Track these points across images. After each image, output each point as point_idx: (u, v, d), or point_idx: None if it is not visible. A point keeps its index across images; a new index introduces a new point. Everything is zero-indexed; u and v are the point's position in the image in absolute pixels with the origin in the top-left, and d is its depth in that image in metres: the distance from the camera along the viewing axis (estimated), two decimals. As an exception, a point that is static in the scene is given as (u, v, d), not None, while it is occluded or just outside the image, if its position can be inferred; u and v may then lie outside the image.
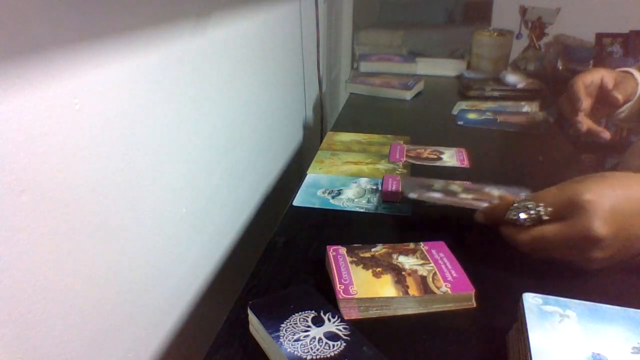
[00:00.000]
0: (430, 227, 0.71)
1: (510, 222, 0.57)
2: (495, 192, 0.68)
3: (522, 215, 0.55)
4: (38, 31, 0.40)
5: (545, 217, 0.54)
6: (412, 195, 0.64)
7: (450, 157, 0.93)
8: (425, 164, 0.91)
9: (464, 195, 0.66)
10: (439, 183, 0.71)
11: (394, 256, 0.58)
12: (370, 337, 0.45)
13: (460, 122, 1.16)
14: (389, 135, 1.04)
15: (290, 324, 0.46)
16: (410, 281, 0.54)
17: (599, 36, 2.32)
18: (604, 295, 0.52)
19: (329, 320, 0.47)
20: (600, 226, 0.49)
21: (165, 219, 0.64)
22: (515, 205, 0.56)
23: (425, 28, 1.90)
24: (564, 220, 0.52)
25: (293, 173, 1.27)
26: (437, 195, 0.66)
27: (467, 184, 0.72)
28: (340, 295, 0.51)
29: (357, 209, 0.74)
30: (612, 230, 0.50)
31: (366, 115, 1.30)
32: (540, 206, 0.54)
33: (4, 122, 0.37)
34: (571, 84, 0.88)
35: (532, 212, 0.55)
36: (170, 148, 0.63)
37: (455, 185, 0.70)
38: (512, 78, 1.42)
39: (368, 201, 0.76)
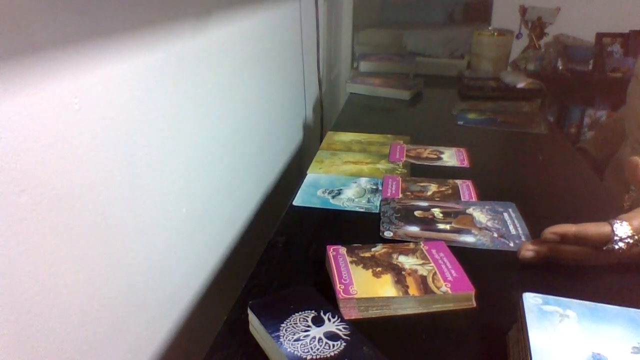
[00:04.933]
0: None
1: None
2: (478, 212, 0.69)
3: (621, 244, 0.56)
4: (38, 31, 0.40)
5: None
6: (388, 234, 0.65)
7: (450, 157, 0.93)
8: (425, 163, 0.91)
9: (442, 225, 0.67)
10: (421, 206, 0.72)
11: (394, 256, 0.58)
12: (370, 337, 0.45)
13: (460, 122, 1.16)
14: (389, 135, 1.04)
15: (290, 324, 0.46)
16: (410, 281, 0.54)
17: (599, 36, 2.32)
18: (604, 295, 0.52)
19: (329, 320, 0.47)
20: None
21: (165, 219, 0.64)
22: (618, 238, 0.56)
23: (425, 28, 1.90)
24: None
25: (293, 173, 1.27)
26: (414, 229, 0.66)
27: (451, 204, 0.73)
28: (340, 295, 0.51)
29: (357, 209, 0.74)
30: None
31: (366, 115, 1.30)
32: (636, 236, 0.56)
33: (4, 122, 0.37)
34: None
35: (630, 241, 0.56)
36: (170, 148, 0.63)
37: (437, 210, 0.71)
38: (512, 78, 1.42)
39: (368, 201, 0.76)
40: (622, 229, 0.56)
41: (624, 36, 2.29)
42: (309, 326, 0.46)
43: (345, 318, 0.48)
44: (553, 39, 2.39)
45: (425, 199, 0.76)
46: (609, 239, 0.56)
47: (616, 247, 0.56)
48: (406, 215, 0.70)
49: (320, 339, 0.45)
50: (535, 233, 0.65)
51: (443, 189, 0.79)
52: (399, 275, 0.54)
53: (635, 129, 0.98)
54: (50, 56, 0.41)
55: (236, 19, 0.82)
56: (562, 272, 0.59)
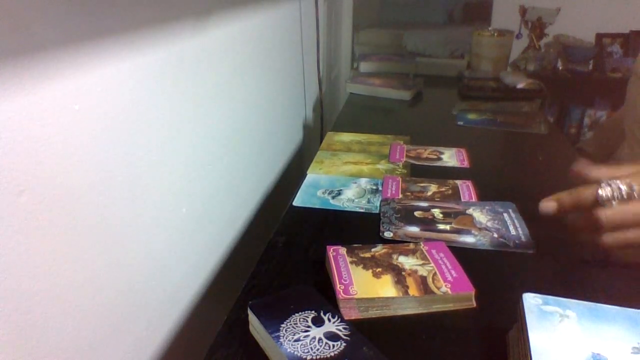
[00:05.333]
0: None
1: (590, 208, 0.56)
2: (478, 212, 0.69)
3: (612, 199, 0.54)
4: (38, 31, 0.40)
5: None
6: (388, 234, 0.65)
7: (450, 157, 0.93)
8: (425, 164, 0.91)
9: (442, 226, 0.67)
10: (421, 206, 0.72)
11: (394, 256, 0.58)
12: (370, 337, 0.45)
13: (460, 122, 1.16)
14: (389, 135, 1.04)
15: (290, 324, 0.46)
16: (410, 281, 0.54)
17: (599, 36, 2.32)
18: (604, 295, 0.52)
19: (329, 320, 0.47)
20: None
21: (165, 219, 0.64)
22: (605, 183, 0.55)
23: (425, 28, 1.90)
24: None
25: (293, 173, 1.27)
26: (414, 229, 0.66)
27: (451, 205, 0.73)
28: (340, 295, 0.51)
29: (357, 209, 0.74)
30: None
31: (366, 115, 1.30)
32: (630, 184, 0.54)
33: (4, 122, 0.37)
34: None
35: (622, 188, 0.54)
36: (170, 148, 0.63)
37: (437, 210, 0.71)
38: (512, 78, 1.42)
39: (368, 201, 0.76)
40: (608, 180, 0.55)
41: (624, 36, 2.29)
42: (309, 326, 0.46)
43: (345, 318, 0.48)
44: (553, 39, 2.39)
45: (425, 199, 0.76)
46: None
47: (606, 194, 0.54)
48: (406, 216, 0.70)
49: (320, 339, 0.45)
50: (535, 233, 0.65)
51: (443, 189, 0.79)
52: (399, 275, 0.54)
53: (634, 128, 0.97)
54: (50, 56, 0.41)
55: (236, 19, 0.82)
56: (562, 272, 0.59)
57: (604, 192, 0.55)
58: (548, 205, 0.58)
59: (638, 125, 0.96)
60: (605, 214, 0.55)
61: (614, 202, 0.54)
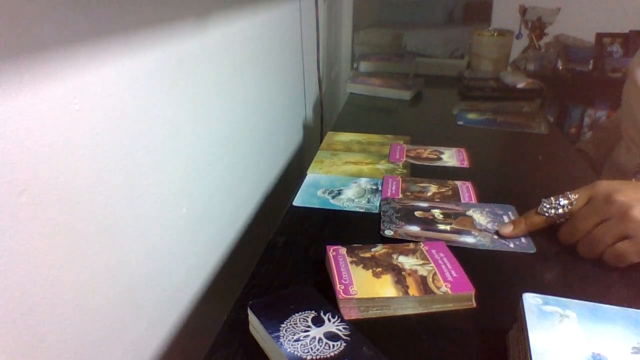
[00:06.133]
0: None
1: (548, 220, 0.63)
2: (478, 214, 0.70)
3: (552, 211, 0.62)
4: (38, 31, 0.40)
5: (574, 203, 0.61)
6: (389, 233, 0.65)
7: (450, 157, 0.93)
8: (425, 164, 0.91)
9: (442, 226, 0.67)
10: (422, 207, 0.72)
11: (394, 256, 0.58)
12: (370, 337, 0.45)
13: (460, 122, 1.16)
14: (389, 135, 1.04)
15: (290, 324, 0.46)
16: (410, 281, 0.54)
17: (599, 36, 2.32)
18: (604, 295, 0.52)
19: (329, 320, 0.47)
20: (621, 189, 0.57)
21: (165, 219, 0.64)
22: (544, 202, 0.63)
23: (425, 28, 1.90)
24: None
25: (293, 173, 1.27)
26: (414, 229, 0.67)
27: (451, 206, 0.73)
28: (340, 295, 0.51)
29: (357, 209, 0.74)
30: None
31: (366, 115, 1.30)
32: (567, 195, 0.61)
33: (4, 122, 0.37)
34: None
35: (561, 202, 0.62)
36: (170, 148, 0.63)
37: (438, 211, 0.71)
38: (512, 78, 1.42)
39: (368, 201, 0.76)
40: (546, 202, 0.63)
41: (624, 36, 2.29)
42: (309, 326, 0.46)
43: (345, 318, 0.48)
44: (553, 39, 2.39)
45: (425, 199, 0.76)
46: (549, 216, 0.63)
47: (554, 212, 0.62)
48: (406, 215, 0.70)
49: (320, 339, 0.45)
50: (534, 233, 0.65)
51: (443, 190, 0.79)
52: (399, 275, 0.54)
53: (630, 128, 0.98)
54: (50, 56, 0.41)
55: (236, 19, 0.82)
56: (562, 272, 0.59)
57: (541, 206, 0.63)
58: (504, 229, 0.66)
59: (634, 126, 0.96)
60: (561, 230, 0.62)
61: (559, 211, 0.62)
